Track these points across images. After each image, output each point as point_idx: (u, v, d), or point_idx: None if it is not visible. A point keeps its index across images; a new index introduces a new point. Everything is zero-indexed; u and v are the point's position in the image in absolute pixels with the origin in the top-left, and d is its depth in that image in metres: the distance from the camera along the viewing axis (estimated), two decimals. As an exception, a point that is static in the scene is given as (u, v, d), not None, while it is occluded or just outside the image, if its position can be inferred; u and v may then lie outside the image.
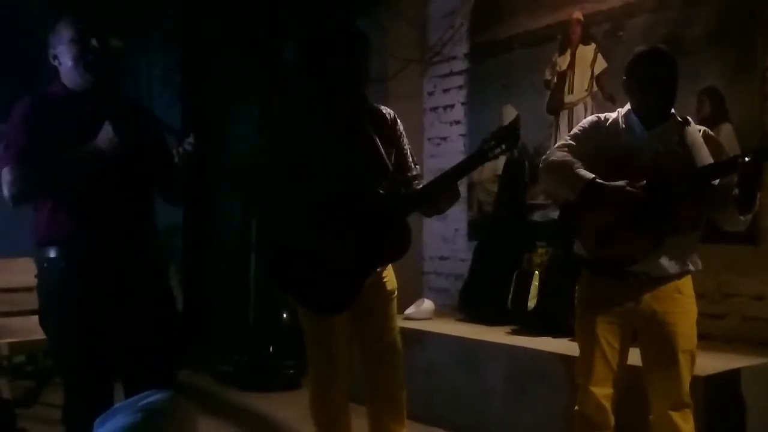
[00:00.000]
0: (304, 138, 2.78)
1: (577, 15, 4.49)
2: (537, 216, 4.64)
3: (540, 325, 3.98)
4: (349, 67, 2.73)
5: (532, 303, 4.10)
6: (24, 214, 2.54)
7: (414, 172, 2.88)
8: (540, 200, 4.62)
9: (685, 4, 3.95)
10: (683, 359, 2.62)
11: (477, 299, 4.59)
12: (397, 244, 2.70)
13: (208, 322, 5.74)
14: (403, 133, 2.90)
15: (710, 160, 2.60)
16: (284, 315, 5.12)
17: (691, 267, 2.68)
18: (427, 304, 4.71)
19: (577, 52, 4.51)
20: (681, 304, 2.66)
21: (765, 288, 3.67)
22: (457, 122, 5.30)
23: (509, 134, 2.62)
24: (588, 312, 2.74)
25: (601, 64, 4.37)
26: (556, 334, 3.82)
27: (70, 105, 2.51)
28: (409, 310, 4.63)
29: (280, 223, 2.93)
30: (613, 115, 2.77)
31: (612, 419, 2.70)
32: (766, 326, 3.65)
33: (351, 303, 2.72)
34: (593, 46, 4.42)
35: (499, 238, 4.70)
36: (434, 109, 5.48)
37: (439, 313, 4.75)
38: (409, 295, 4.73)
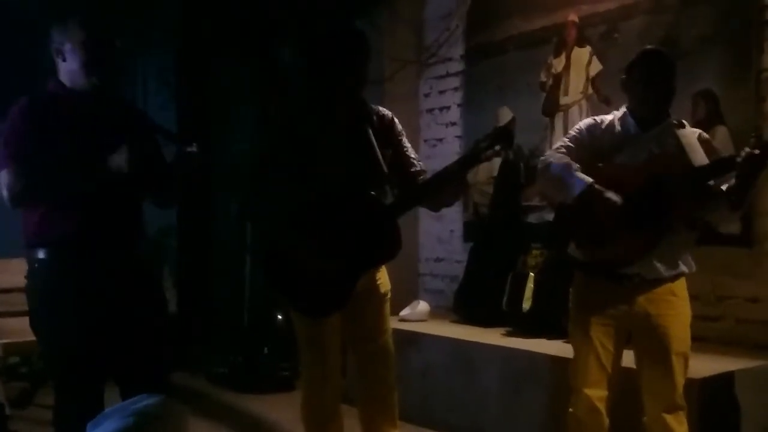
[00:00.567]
0: (299, 139, 2.78)
1: (573, 17, 4.49)
2: (532, 218, 4.64)
3: (535, 326, 3.99)
4: (348, 67, 2.72)
5: (526, 305, 4.11)
6: (17, 215, 2.53)
7: (417, 168, 2.87)
8: (535, 202, 4.62)
9: (681, 6, 3.96)
10: (677, 361, 2.62)
11: (472, 301, 4.60)
12: (387, 246, 2.69)
13: (203, 323, 5.74)
14: (402, 132, 2.89)
15: (706, 162, 2.61)
16: (279, 317, 5.12)
17: (685, 269, 2.69)
18: (423, 306, 4.71)
19: (573, 54, 4.51)
20: (675, 306, 2.67)
21: (759, 290, 3.68)
22: (453, 124, 5.30)
23: (503, 135, 2.62)
24: (582, 314, 2.75)
25: (596, 67, 4.38)
26: (550, 335, 3.82)
27: (68, 104, 2.49)
28: (405, 312, 4.63)
29: (273, 224, 2.93)
30: (608, 118, 2.78)
31: (606, 421, 2.70)
32: (760, 329, 3.66)
33: (343, 305, 2.72)
34: (588, 48, 4.42)
35: (495, 239, 4.70)
36: (430, 110, 5.48)
37: (435, 314, 4.75)
38: (405, 297, 4.73)
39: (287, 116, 3.00)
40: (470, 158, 2.63)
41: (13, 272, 4.51)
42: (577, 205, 2.65)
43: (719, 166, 2.58)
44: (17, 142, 2.41)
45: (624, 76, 2.73)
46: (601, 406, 2.69)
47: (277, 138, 2.98)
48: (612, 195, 2.59)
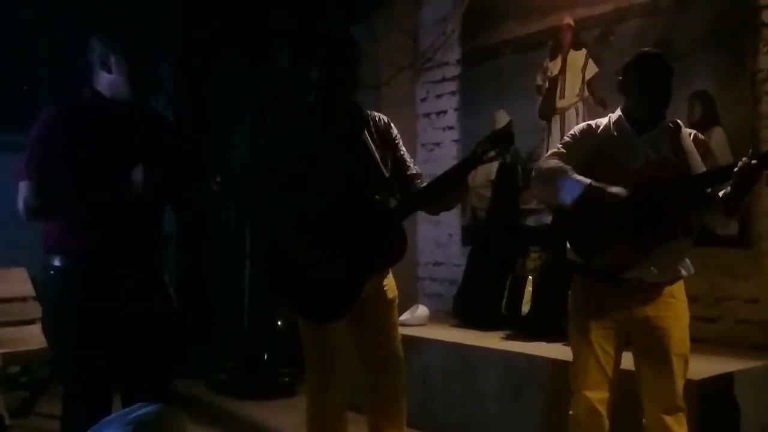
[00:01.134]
0: (298, 144, 2.78)
1: (568, 20, 4.50)
2: (530, 221, 4.65)
3: (534, 329, 3.99)
4: (337, 73, 2.73)
5: (526, 308, 4.12)
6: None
7: (413, 171, 2.88)
8: (533, 205, 4.63)
9: (676, 8, 3.97)
10: (676, 363, 2.62)
11: (471, 304, 4.59)
12: (392, 250, 2.70)
13: (203, 329, 5.73)
14: (398, 136, 2.90)
15: (704, 168, 2.62)
16: (279, 322, 5.12)
17: (683, 272, 2.69)
18: (422, 310, 4.71)
19: (568, 57, 4.52)
20: (674, 308, 2.67)
21: (758, 291, 3.68)
22: (450, 128, 5.31)
23: (504, 136, 2.63)
24: (581, 317, 2.75)
25: (592, 69, 4.39)
26: (550, 338, 3.82)
27: (99, 113, 2.49)
28: (404, 316, 4.62)
29: (274, 230, 2.93)
30: (603, 122, 2.77)
31: (606, 423, 2.70)
32: (759, 329, 3.66)
33: (348, 310, 2.71)
34: (584, 51, 4.43)
35: (493, 243, 4.70)
36: (427, 114, 5.49)
37: (434, 318, 4.74)
38: (404, 301, 4.68)
39: (286, 122, 3.01)
40: (473, 159, 2.64)
41: (11, 282, 4.53)
42: (578, 207, 2.63)
43: (716, 175, 2.58)
44: (43, 155, 2.39)
45: (620, 78, 2.74)
46: (602, 408, 2.69)
47: (276, 143, 2.98)
48: (615, 189, 2.57)
